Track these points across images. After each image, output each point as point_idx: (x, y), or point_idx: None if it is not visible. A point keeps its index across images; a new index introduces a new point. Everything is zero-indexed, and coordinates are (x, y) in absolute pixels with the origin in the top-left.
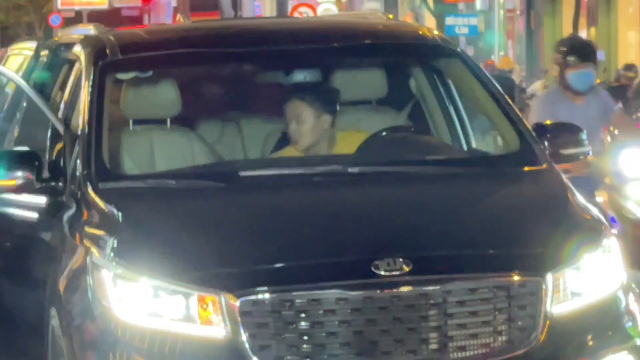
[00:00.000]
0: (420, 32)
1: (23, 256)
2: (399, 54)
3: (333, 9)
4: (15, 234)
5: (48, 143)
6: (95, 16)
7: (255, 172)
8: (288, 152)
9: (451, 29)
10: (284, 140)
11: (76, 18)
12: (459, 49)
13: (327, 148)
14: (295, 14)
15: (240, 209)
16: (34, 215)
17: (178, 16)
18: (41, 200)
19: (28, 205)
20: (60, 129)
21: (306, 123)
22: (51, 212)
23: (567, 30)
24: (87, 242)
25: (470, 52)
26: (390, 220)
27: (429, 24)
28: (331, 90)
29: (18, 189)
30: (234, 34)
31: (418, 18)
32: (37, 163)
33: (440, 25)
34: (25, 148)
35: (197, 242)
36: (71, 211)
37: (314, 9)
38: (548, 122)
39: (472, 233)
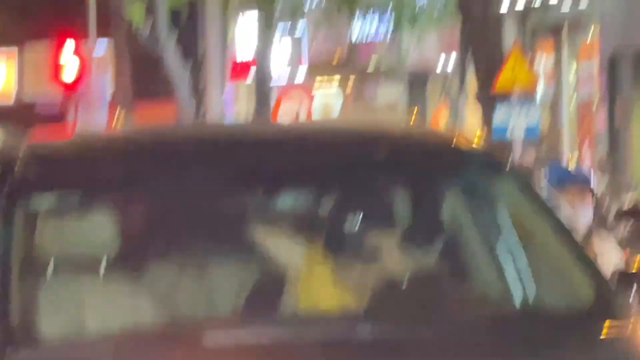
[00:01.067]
0: (454, 141)
1: None
2: (427, 171)
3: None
4: None
5: None
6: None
7: (225, 339)
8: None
9: (502, 130)
10: (264, 286)
11: None
12: (510, 164)
13: None
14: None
15: None
16: None
17: (118, 110)
18: None
19: None
20: None
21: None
22: None
23: None
24: None
25: (529, 157)
26: None
27: (472, 120)
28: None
29: None
30: (198, 147)
31: (456, 111)
32: None
33: (487, 121)
34: None
35: None
36: None
37: (309, 93)
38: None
39: None
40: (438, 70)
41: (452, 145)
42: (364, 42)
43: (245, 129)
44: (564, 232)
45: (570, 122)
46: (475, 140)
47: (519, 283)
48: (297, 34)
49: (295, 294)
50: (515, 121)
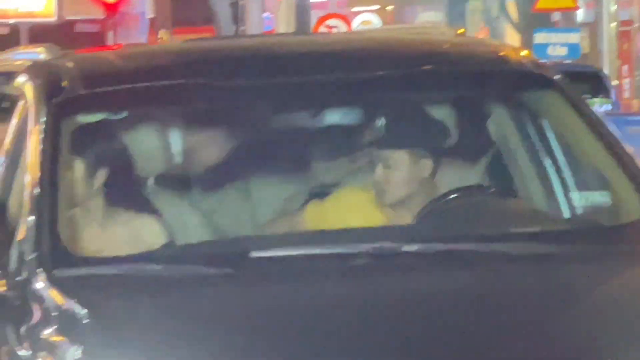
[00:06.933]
0: (502, 54)
1: None
2: (472, 85)
3: (375, 21)
4: None
5: None
6: (38, 33)
7: (273, 253)
8: (313, 212)
9: (542, 49)
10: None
11: (11, 36)
12: (558, 78)
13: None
14: (322, 29)
15: (255, 307)
16: None
17: (160, 32)
18: None
19: None
20: None
21: (398, 169)
22: None
23: None
24: (41, 355)
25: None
26: (471, 328)
27: (512, 43)
28: (433, 122)
29: None
30: (243, 59)
31: (495, 34)
32: None
33: (527, 43)
34: None
35: (196, 355)
36: (16, 311)
37: (347, 21)
38: None
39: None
40: None
41: (499, 57)
42: None
43: (292, 41)
44: (614, 146)
45: (610, 44)
46: (523, 55)
47: (569, 198)
48: None
49: (340, 211)
50: (556, 41)
